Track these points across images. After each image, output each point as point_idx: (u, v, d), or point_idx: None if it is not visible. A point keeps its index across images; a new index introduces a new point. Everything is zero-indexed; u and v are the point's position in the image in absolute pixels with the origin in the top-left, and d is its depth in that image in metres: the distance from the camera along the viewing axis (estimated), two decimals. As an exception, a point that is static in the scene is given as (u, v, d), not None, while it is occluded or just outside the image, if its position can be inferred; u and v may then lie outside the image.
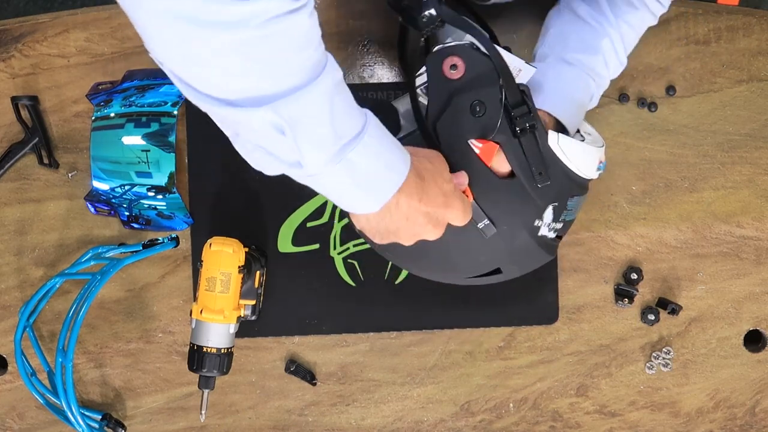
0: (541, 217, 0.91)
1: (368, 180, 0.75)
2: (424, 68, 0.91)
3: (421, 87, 0.92)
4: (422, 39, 0.91)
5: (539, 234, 0.92)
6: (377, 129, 0.74)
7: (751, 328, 1.16)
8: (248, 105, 0.66)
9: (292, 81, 0.66)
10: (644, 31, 1.03)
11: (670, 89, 1.14)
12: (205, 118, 1.15)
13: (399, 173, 0.76)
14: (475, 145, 0.88)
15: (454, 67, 0.88)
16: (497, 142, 0.88)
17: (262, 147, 0.71)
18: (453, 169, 0.86)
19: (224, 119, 0.69)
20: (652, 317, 1.13)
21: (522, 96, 0.88)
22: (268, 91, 0.65)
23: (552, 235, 0.94)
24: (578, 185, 0.93)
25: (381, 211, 0.77)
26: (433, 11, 0.85)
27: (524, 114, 0.87)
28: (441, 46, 0.89)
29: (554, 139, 0.89)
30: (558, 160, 0.90)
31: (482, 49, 0.88)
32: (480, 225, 0.89)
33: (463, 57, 0.87)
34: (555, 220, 0.92)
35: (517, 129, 0.87)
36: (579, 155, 0.91)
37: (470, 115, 0.87)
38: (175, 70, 0.66)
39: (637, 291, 1.13)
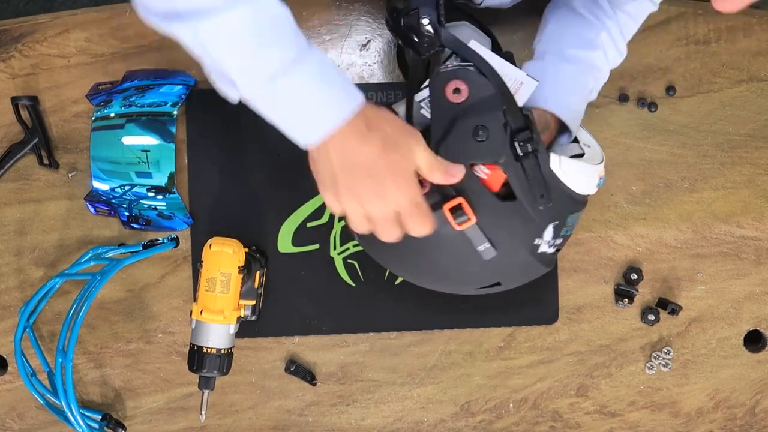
0: (541, 236, 0.91)
1: (304, 109, 0.77)
2: (426, 82, 0.89)
3: (424, 101, 0.91)
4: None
5: (539, 251, 0.92)
6: (321, 64, 0.77)
7: (751, 328, 1.16)
8: (172, 20, 0.74)
9: (207, 2, 0.72)
10: (645, 18, 1.02)
11: (670, 89, 1.14)
12: (205, 118, 1.16)
13: (338, 113, 0.77)
14: (483, 171, 0.87)
15: (457, 90, 0.86)
16: (501, 166, 0.87)
17: (202, 63, 0.78)
18: (457, 191, 0.86)
19: (172, 35, 0.77)
20: (652, 317, 1.13)
21: (525, 121, 0.87)
22: (185, 8, 0.73)
23: (551, 250, 0.94)
24: (578, 202, 0.93)
25: (320, 149, 0.79)
26: (429, 28, 0.85)
27: (527, 138, 0.86)
28: (444, 68, 0.87)
29: (556, 162, 0.88)
30: (559, 181, 0.89)
31: (489, 64, 0.86)
32: (480, 248, 0.88)
33: (467, 81, 0.86)
34: (555, 236, 0.92)
35: (520, 153, 0.86)
36: (580, 175, 0.91)
37: (473, 140, 0.86)
38: None
39: (637, 291, 1.13)
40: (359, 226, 0.82)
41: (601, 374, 1.16)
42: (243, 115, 1.11)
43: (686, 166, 1.15)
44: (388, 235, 0.82)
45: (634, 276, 1.13)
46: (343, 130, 0.77)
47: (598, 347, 1.16)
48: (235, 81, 0.76)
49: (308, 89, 0.77)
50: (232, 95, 0.78)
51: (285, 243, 1.12)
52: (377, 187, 0.79)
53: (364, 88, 1.12)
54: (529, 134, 0.86)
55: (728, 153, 1.15)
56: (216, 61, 0.76)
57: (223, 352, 0.99)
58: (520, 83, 0.93)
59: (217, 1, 0.72)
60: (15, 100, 1.09)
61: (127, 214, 1.08)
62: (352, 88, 0.80)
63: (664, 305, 1.14)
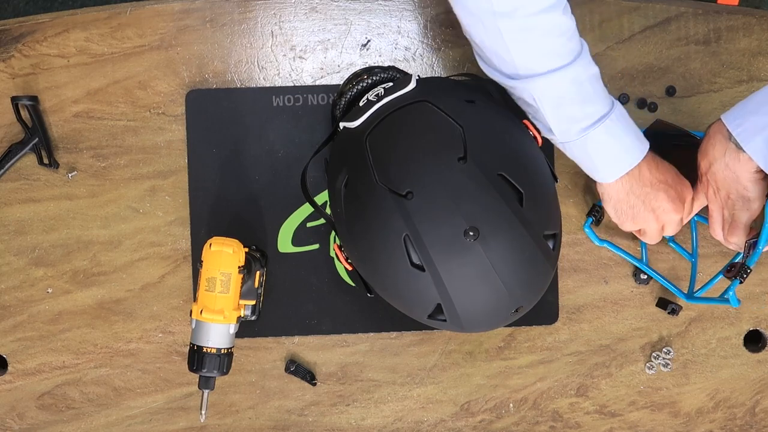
0: None
1: (607, 155, 0.94)
2: None
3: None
4: None
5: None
6: (621, 118, 0.94)
7: (751, 328, 1.16)
8: (513, 78, 0.92)
9: (546, 65, 0.89)
10: None
11: (670, 89, 1.14)
12: (205, 118, 1.16)
13: (634, 156, 0.94)
14: None
15: None
16: None
17: (527, 112, 0.96)
18: None
19: (507, 88, 0.95)
20: (644, 276, 1.13)
21: None
22: (524, 71, 0.90)
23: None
24: None
25: (612, 190, 0.96)
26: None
27: None
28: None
29: None
30: None
31: None
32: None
33: None
34: None
35: None
36: None
37: None
38: (476, 45, 0.94)
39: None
40: (650, 240, 1.03)
41: (601, 374, 1.16)
42: (243, 115, 1.11)
43: (686, 166, 1.15)
44: (659, 237, 1.03)
45: (643, 276, 1.13)
46: (634, 172, 0.95)
47: (598, 347, 1.16)
48: (553, 130, 0.93)
49: (612, 138, 0.93)
50: (545, 134, 0.96)
51: (285, 243, 1.12)
52: (655, 215, 0.98)
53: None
54: None
55: (728, 153, 1.15)
56: (538, 110, 0.92)
57: (223, 351, 0.99)
58: None
59: (549, 66, 0.89)
60: (15, 100, 1.09)
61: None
62: (641, 135, 0.96)
63: (664, 305, 1.14)
